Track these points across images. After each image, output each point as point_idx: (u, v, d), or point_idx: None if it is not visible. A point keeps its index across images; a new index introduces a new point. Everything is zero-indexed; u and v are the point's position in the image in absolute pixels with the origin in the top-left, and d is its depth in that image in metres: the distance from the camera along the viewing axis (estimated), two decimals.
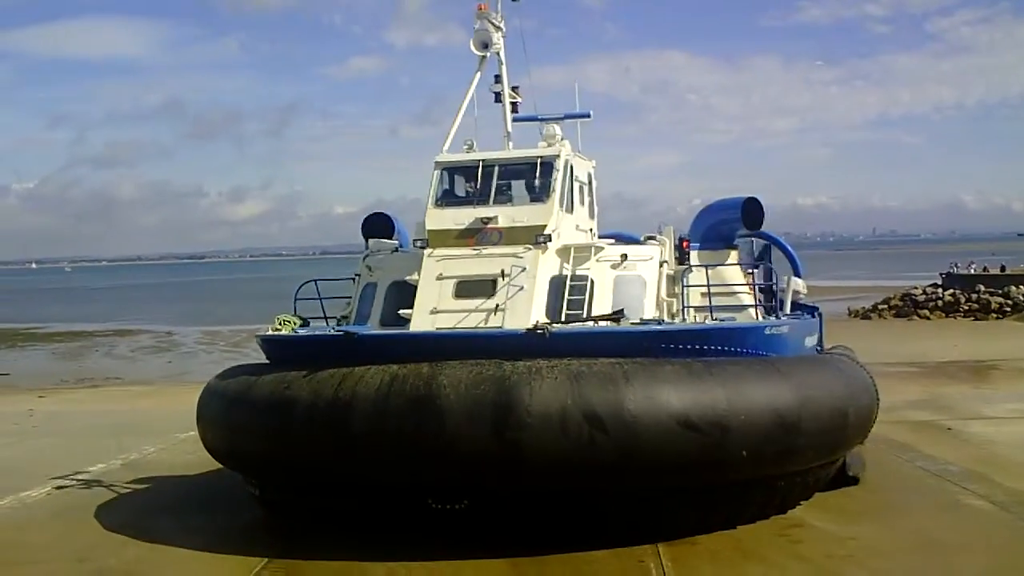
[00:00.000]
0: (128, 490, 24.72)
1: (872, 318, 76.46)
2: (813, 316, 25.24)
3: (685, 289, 21.20)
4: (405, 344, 17.81)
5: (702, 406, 16.57)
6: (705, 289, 21.13)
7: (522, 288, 19.23)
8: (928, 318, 75.67)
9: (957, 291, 78.07)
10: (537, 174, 20.99)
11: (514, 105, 23.93)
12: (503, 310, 19.01)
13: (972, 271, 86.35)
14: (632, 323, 18.64)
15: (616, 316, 18.78)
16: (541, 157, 21.19)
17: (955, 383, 39.51)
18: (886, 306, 78.87)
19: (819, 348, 25.18)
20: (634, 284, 20.11)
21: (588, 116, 24.28)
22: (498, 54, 23.35)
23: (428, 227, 20.73)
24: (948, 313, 76.12)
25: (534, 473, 16.14)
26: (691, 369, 17.02)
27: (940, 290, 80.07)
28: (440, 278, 19.76)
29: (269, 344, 20.03)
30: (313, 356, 18.14)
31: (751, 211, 22.76)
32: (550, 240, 19.90)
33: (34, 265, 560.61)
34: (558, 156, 21.04)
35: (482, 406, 15.94)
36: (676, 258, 21.53)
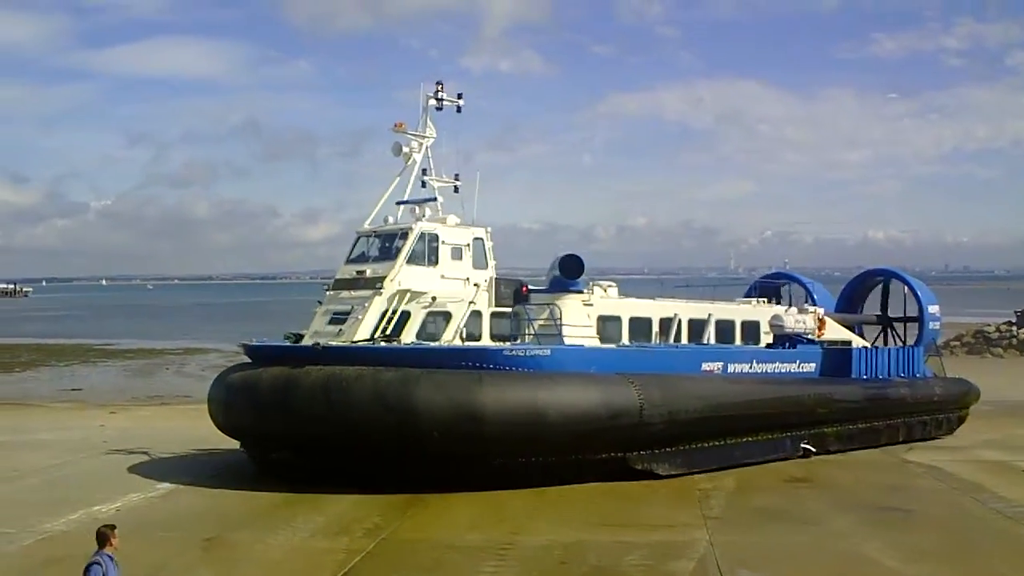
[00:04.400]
0: (197, 508, 24.98)
1: (943, 355, 75.27)
2: (792, 347, 33.64)
3: (529, 321, 29.42)
4: (284, 353, 27.80)
5: (400, 397, 24.70)
6: (546, 319, 29.49)
7: (357, 319, 27.83)
8: (1001, 356, 74.49)
9: None
10: (394, 242, 29.09)
11: (456, 187, 31.91)
12: (343, 333, 27.81)
13: None
14: (406, 343, 26.99)
15: (392, 338, 27.07)
16: (400, 230, 29.34)
17: None
18: (958, 343, 77.60)
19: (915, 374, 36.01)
20: (440, 318, 28.16)
21: (435, 200, 31.11)
22: (426, 150, 31.28)
23: (335, 276, 30.06)
24: (1022, 352, 74.86)
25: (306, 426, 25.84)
26: (406, 375, 25.03)
27: (1014, 328, 78.72)
28: (324, 312, 29.30)
29: (245, 350, 29.91)
30: (252, 359, 28.89)
31: (571, 265, 29.99)
32: (382, 287, 27.91)
33: (104, 282, 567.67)
34: (411, 229, 29.01)
35: (275, 390, 26.29)
36: (511, 299, 29.43)
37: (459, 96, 31.83)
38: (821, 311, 36.82)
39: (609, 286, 32.42)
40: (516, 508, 24.90)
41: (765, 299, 38.58)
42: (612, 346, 29.98)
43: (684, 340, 32.60)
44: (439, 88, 31.47)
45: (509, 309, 29.56)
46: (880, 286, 42.04)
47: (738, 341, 33.90)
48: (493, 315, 29.26)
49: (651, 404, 27.19)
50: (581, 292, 30.43)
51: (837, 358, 34.71)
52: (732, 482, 28.42)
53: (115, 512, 24.16)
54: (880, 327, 42.18)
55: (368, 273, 28.82)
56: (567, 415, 25.79)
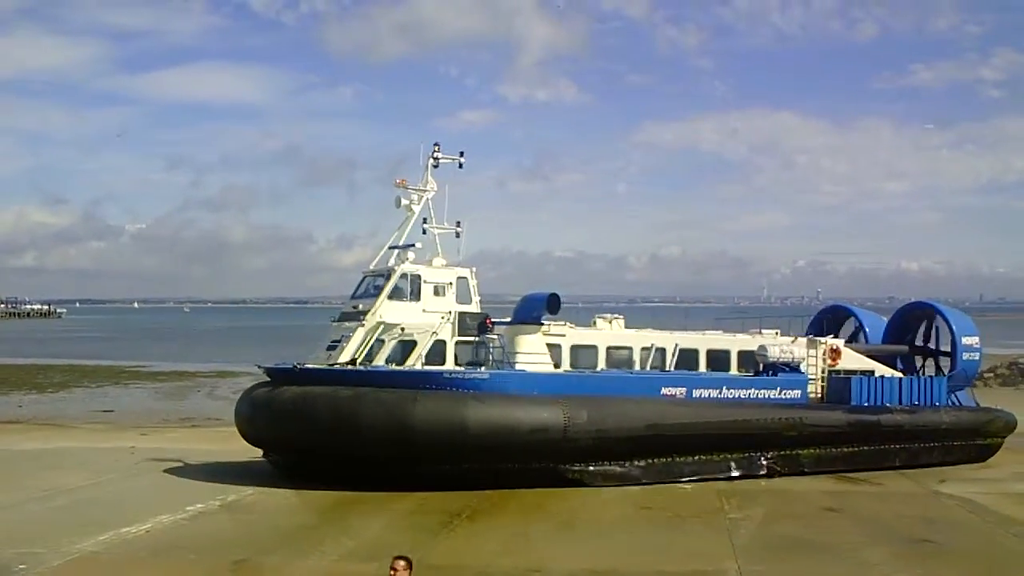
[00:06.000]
0: (226, 531, 25.07)
1: (976, 385, 74.55)
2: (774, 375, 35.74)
3: (492, 348, 33.04)
4: (276, 373, 32.79)
5: (349, 411, 29.52)
6: (512, 348, 33.12)
7: (343, 346, 32.63)
8: None
9: None
10: (382, 281, 33.79)
11: (458, 233, 36.11)
12: (331, 358, 32.67)
13: None
14: (364, 367, 31.68)
15: (351, 362, 31.94)
16: (389, 271, 33.83)
17: None
18: (992, 374, 76.92)
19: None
20: (409, 344, 32.73)
21: (412, 245, 34.74)
22: (428, 203, 35.38)
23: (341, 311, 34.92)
24: None
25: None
26: (357, 393, 29.80)
27: None
28: (330, 340, 33.71)
29: (265, 371, 33.83)
30: (270, 379, 33.14)
31: (552, 302, 33.32)
32: (362, 319, 32.76)
33: (136, 304, 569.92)
34: (394, 270, 33.65)
35: (261, 404, 32.18)
36: (475, 329, 33.24)
37: (461, 154, 36.01)
38: (839, 343, 38.75)
39: (615, 318, 36.45)
40: (544, 535, 24.92)
41: (815, 333, 40.61)
42: (558, 371, 33.43)
43: (671, 367, 35.58)
44: (436, 149, 35.57)
45: (473, 338, 33.46)
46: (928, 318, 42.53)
47: (703, 367, 36.27)
48: (458, 343, 33.35)
49: (576, 423, 30.52)
50: (540, 324, 33.78)
51: (836, 386, 36.59)
52: (761, 511, 28.29)
53: (145, 533, 24.29)
54: (923, 358, 42.46)
55: (360, 307, 33.67)
56: (488, 429, 29.56)
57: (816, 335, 40.23)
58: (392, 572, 13.49)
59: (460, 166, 36.12)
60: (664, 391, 33.45)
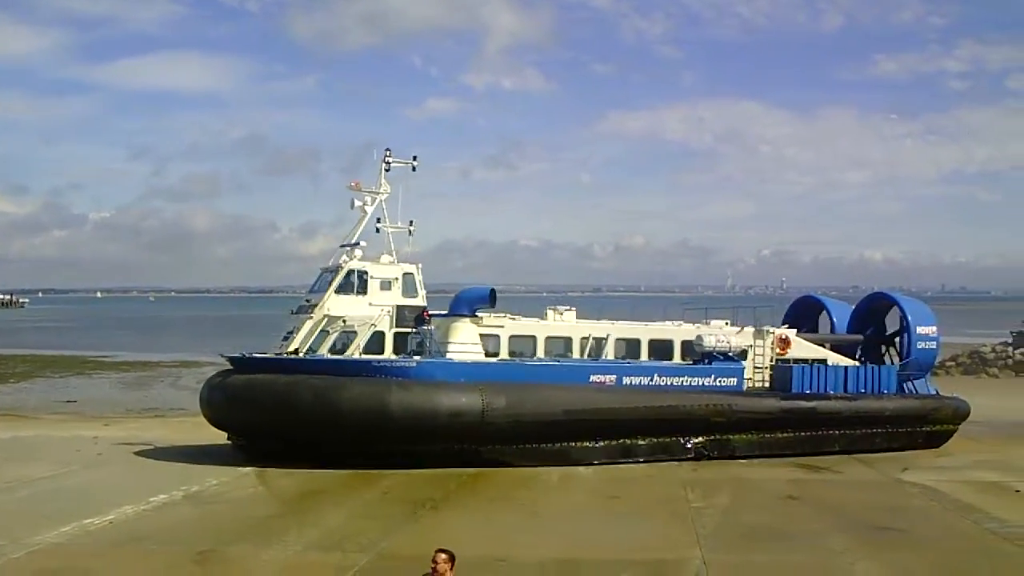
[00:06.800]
0: (190, 521, 24.94)
1: (939, 375, 75.07)
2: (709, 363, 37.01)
3: (426, 339, 35.20)
4: (230, 361, 35.54)
5: (283, 395, 32.11)
6: (447, 338, 35.10)
7: (293, 337, 35.28)
8: (997, 376, 74.41)
9: None
10: (331, 276, 36.20)
11: (410, 232, 38.48)
12: (282, 347, 35.38)
13: None
14: (302, 356, 34.24)
15: (294, 352, 34.49)
16: (338, 268, 36.12)
17: None
18: (953, 363, 77.54)
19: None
20: (350, 335, 35.11)
21: (358, 244, 36.85)
22: (382, 203, 37.82)
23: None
24: (1018, 372, 74.83)
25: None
26: (293, 380, 32.51)
27: (1010, 348, 78.67)
28: (287, 330, 36.27)
29: (226, 359, 36.09)
30: (231, 366, 35.38)
31: (492, 296, 35.67)
32: (312, 311, 35.34)
33: (100, 294, 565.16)
34: (341, 266, 36.01)
35: (214, 388, 35.00)
36: (412, 321, 35.53)
37: (414, 158, 38.60)
38: (790, 332, 39.79)
39: (567, 310, 38.29)
40: (510, 525, 24.95)
41: (787, 324, 42.03)
42: (485, 360, 35.36)
43: (610, 356, 37.35)
44: (388, 153, 37.99)
45: (411, 330, 35.72)
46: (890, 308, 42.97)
47: (644, 357, 37.80)
48: (396, 334, 35.60)
49: (494, 408, 32.52)
50: (473, 316, 36.03)
51: (780, 374, 37.94)
52: (725, 499, 28.45)
53: (108, 524, 24.12)
54: (885, 347, 42.91)
55: (312, 301, 36.25)
56: (410, 414, 31.91)
57: (791, 326, 41.08)
58: (433, 566, 13.08)
59: (413, 169, 38.76)
60: (593, 378, 35.19)
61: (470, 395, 32.60)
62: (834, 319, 43.49)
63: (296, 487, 29.36)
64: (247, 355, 35.22)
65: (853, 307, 44.09)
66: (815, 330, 43.80)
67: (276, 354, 35.15)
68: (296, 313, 36.65)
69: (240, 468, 31.80)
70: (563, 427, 33.69)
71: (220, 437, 35.37)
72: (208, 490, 28.85)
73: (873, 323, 43.08)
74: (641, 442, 34.77)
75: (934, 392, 40.66)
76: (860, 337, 42.77)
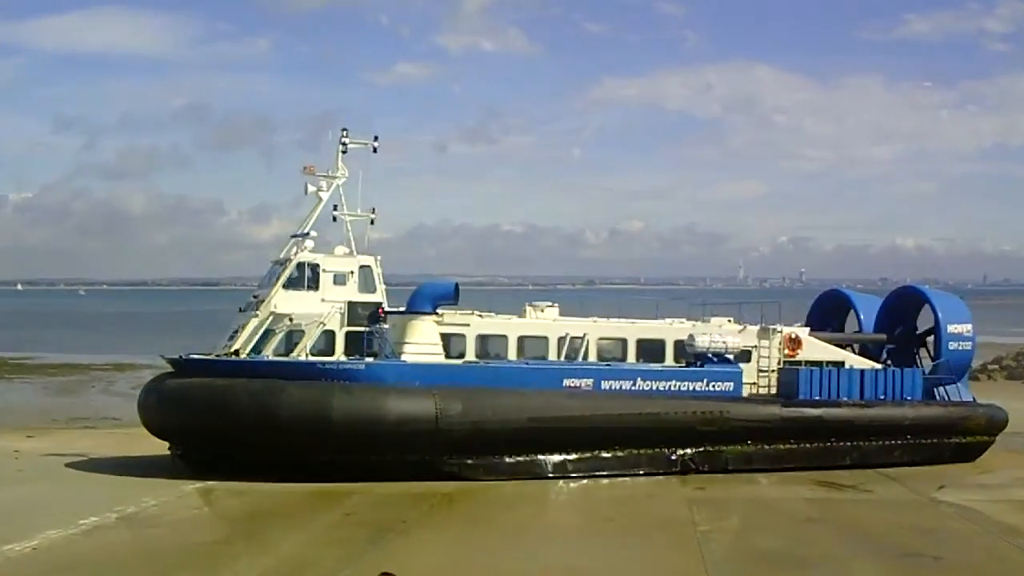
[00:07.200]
0: (126, 548, 24.88)
1: (980, 379, 74.82)
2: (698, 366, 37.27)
3: (381, 339, 35.97)
4: (189, 365, 35.43)
5: (216, 399, 33.08)
6: (404, 338, 35.92)
7: (238, 336, 36.11)
8: None
9: None
10: (280, 269, 37.08)
11: (372, 220, 39.51)
12: (227, 347, 35.97)
13: None
14: (242, 358, 35.10)
15: (235, 352, 35.38)
16: (287, 260, 37.12)
17: None
18: (997, 366, 77.65)
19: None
20: (297, 335, 35.96)
21: (308, 234, 37.97)
22: (339, 188, 38.55)
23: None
24: None
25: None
26: (229, 383, 33.27)
27: None
28: (233, 329, 37.00)
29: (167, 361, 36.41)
30: (171, 369, 35.95)
31: (456, 292, 36.71)
32: (258, 308, 36.33)
33: (20, 287, 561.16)
34: (290, 260, 37.01)
35: (148, 392, 36.30)
36: (366, 319, 36.16)
37: (375, 138, 39.48)
38: (802, 332, 40.07)
39: (548, 306, 38.96)
40: (490, 551, 24.99)
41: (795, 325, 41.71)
42: (442, 362, 36.01)
43: (593, 358, 37.79)
44: (344, 134, 38.71)
45: (364, 328, 36.35)
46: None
47: (632, 358, 38.36)
48: (349, 333, 36.29)
49: (449, 414, 33.09)
50: (433, 314, 36.55)
51: (786, 378, 38.22)
52: (736, 521, 28.58)
53: (31, 551, 23.99)
54: (915, 348, 42.88)
55: (260, 296, 37.12)
56: (353, 420, 32.56)
57: (816, 324, 41.60)
58: None
59: (374, 150, 39.66)
60: (567, 383, 35.63)
61: (422, 400, 33.18)
62: (861, 316, 43.59)
63: (246, 508, 29.37)
64: (185, 357, 35.85)
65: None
66: (842, 329, 43.96)
67: (218, 355, 35.87)
68: (244, 311, 37.31)
69: (182, 485, 31.76)
70: (529, 436, 34.20)
71: (159, 449, 35.31)
72: (146, 511, 28.77)
73: (904, 321, 43.13)
74: (620, 453, 35.29)
75: (971, 399, 40.63)
76: (882, 337, 42.89)
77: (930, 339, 42.07)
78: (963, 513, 29.95)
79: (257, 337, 35.92)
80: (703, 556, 24.39)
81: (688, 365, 37.59)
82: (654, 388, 36.29)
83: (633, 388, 36.12)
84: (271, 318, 36.12)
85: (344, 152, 38.68)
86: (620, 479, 34.29)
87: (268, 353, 35.71)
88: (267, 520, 27.91)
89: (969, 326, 40.72)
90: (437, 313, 36.57)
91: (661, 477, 34.64)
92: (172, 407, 34.43)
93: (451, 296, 36.71)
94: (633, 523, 28.38)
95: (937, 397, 39.50)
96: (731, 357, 37.64)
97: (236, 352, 35.57)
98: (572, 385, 35.50)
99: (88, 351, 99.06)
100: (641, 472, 35.15)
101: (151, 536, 26.21)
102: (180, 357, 35.92)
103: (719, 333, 37.94)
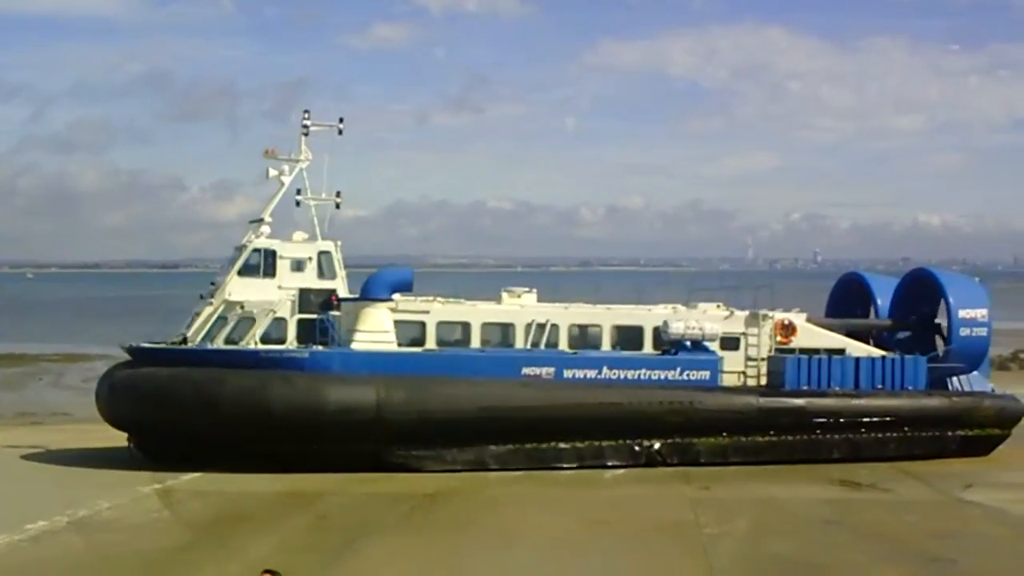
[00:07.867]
0: (77, 555, 24.83)
1: (1011, 368, 74.61)
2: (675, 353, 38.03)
3: (332, 326, 37.55)
4: (133, 354, 37.65)
5: (157, 388, 35.10)
6: (356, 325, 37.14)
7: (195, 324, 37.94)
8: None
9: None
10: (237, 255, 38.76)
11: (338, 204, 41.80)
12: (185, 335, 38.01)
13: None
14: (187, 346, 37.18)
15: (183, 341, 37.39)
16: (243, 246, 38.71)
17: None
18: None
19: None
20: (247, 322, 37.56)
21: (261, 220, 39.69)
22: (302, 171, 40.30)
23: None
24: None
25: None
26: (171, 373, 35.50)
27: None
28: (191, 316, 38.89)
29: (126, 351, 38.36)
30: (131, 358, 37.91)
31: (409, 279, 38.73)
32: (213, 295, 38.08)
33: None
34: (245, 246, 38.60)
35: (102, 381, 38.53)
36: (318, 307, 37.85)
37: (340, 120, 41.49)
38: (798, 317, 40.13)
39: (525, 292, 40.11)
40: (474, 558, 25.03)
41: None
42: (389, 350, 37.15)
43: (564, 346, 38.87)
44: (306, 116, 40.54)
45: (316, 316, 37.97)
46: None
47: (606, 346, 39.36)
48: (300, 321, 38.06)
49: (391, 404, 34.89)
50: (388, 301, 37.86)
51: (774, 366, 38.84)
52: (744, 524, 28.60)
53: None
54: (931, 335, 42.77)
55: (217, 283, 38.80)
56: (292, 410, 34.43)
57: (836, 310, 42.76)
58: None
59: (340, 132, 41.62)
60: (526, 371, 36.97)
61: (363, 389, 35.06)
62: (879, 301, 43.43)
63: (210, 510, 29.37)
64: (137, 346, 37.75)
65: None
66: (866, 316, 43.92)
67: (170, 344, 37.83)
68: (203, 298, 38.87)
69: (140, 487, 31.78)
70: (478, 427, 35.59)
71: (116, 443, 35.42)
72: (100, 515, 28.79)
73: (921, 305, 43.01)
74: (580, 444, 36.55)
75: (988, 389, 40.35)
76: (888, 322, 43.01)
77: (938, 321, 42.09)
78: (991, 515, 30.08)
79: (209, 325, 37.58)
80: (710, 563, 24.47)
81: (663, 353, 38.12)
82: (620, 377, 37.35)
83: (597, 377, 37.21)
84: (223, 306, 37.78)
85: (306, 135, 40.31)
86: (620, 479, 34.64)
87: (219, 342, 37.33)
88: (233, 524, 27.93)
89: (984, 311, 40.47)
90: (392, 300, 37.75)
91: (662, 476, 34.84)
92: (121, 397, 36.45)
93: (408, 284, 38.32)
94: (631, 526, 28.39)
95: (949, 387, 39.43)
96: (710, 344, 38.05)
97: (185, 340, 37.43)
98: (531, 374, 36.74)
99: (36, 340, 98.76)
100: (609, 464, 36.49)
101: (105, 542, 26.14)
102: (132, 346, 37.77)
103: (696, 319, 38.31)
